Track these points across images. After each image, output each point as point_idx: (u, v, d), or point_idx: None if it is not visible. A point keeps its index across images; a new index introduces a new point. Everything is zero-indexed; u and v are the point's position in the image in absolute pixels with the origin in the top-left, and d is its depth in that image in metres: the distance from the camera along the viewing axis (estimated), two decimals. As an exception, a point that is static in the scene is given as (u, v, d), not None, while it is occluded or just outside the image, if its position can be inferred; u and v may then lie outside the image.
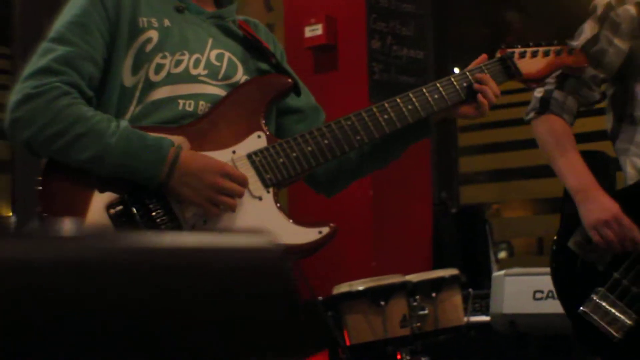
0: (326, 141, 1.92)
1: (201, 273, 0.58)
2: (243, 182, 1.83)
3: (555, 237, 2.39)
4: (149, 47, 1.90)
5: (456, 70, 6.11)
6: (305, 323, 0.64)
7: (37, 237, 0.53)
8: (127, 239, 0.57)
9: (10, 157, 4.38)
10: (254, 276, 0.61)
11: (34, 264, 0.49)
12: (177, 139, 1.81)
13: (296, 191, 1.90)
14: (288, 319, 0.61)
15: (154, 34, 1.91)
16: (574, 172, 2.35)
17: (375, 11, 4.68)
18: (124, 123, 1.80)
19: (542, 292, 3.58)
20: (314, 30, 4.58)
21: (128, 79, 1.89)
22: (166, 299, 0.56)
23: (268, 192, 1.87)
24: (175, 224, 1.81)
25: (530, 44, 2.13)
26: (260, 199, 1.86)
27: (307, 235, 1.87)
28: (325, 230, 1.88)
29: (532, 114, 2.44)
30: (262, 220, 1.84)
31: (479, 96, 2.00)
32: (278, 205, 1.88)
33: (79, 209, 1.80)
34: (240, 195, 1.82)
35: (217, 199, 1.79)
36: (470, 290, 4.03)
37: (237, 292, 0.60)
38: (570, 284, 2.35)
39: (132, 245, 0.56)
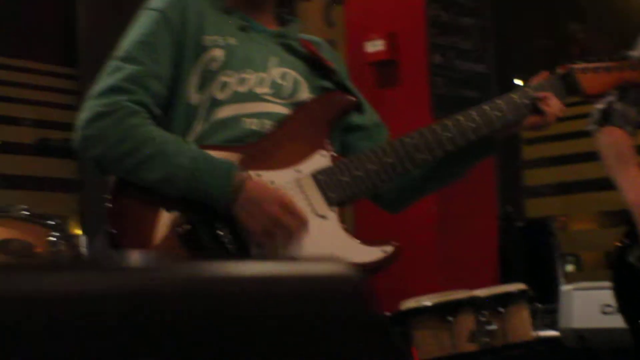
0: (389, 160, 1.91)
1: (287, 302, 0.58)
2: (300, 218, 1.82)
3: (616, 252, 2.36)
4: (215, 66, 1.92)
5: (518, 82, 6.07)
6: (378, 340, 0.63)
7: (107, 269, 0.53)
8: (202, 268, 0.57)
9: (79, 177, 4.44)
10: (341, 304, 0.60)
11: (107, 296, 0.50)
12: (240, 158, 1.82)
13: (361, 207, 1.89)
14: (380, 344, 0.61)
15: (219, 53, 1.93)
16: (633, 186, 2.32)
17: (436, 26, 4.66)
18: (193, 145, 1.81)
19: (610, 306, 3.53)
20: (375, 46, 4.58)
21: (194, 97, 1.90)
22: (251, 328, 0.55)
23: (332, 210, 1.87)
24: (241, 244, 1.81)
25: (592, 59, 2.10)
26: (324, 217, 1.86)
27: (371, 254, 1.86)
28: (389, 249, 1.87)
29: (593, 126, 2.42)
30: (326, 239, 1.84)
31: (542, 112, 1.99)
32: (342, 224, 1.87)
33: (147, 228, 1.81)
34: (294, 232, 1.81)
35: (272, 231, 1.79)
36: (537, 304, 3.98)
37: (324, 321, 0.59)
38: (632, 299, 2.32)
39: (207, 275, 0.56)
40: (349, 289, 0.61)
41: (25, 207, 2.08)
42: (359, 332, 0.59)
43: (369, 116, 2.10)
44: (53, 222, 2.08)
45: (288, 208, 1.80)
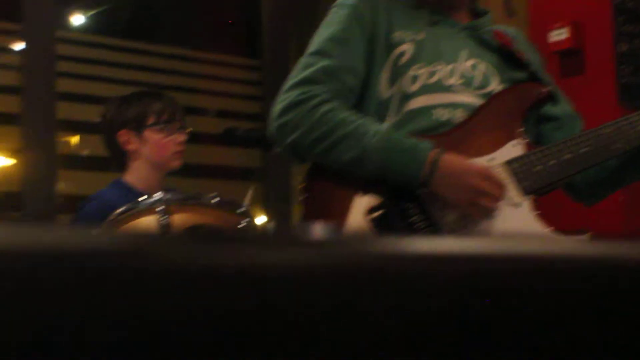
0: (584, 149, 1.88)
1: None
2: (502, 187, 1.82)
3: None
4: (404, 60, 1.94)
5: None
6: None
7: (294, 242, 0.53)
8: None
9: (261, 165, 4.55)
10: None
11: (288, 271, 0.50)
12: (436, 144, 1.83)
13: (543, 197, 1.88)
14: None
15: (408, 47, 1.95)
16: None
17: (623, 13, 4.52)
18: (384, 125, 1.84)
19: None
20: (559, 35, 4.49)
21: (385, 91, 1.93)
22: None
23: (525, 200, 1.86)
24: (435, 229, 1.83)
25: None
26: (518, 206, 1.85)
27: None
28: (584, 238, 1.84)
29: None
30: (520, 227, 1.83)
31: None
32: (535, 212, 1.86)
33: (340, 213, 1.85)
34: (500, 199, 1.81)
35: (477, 201, 1.80)
36: None
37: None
38: None
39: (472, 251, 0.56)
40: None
41: (216, 194, 2.15)
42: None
43: (563, 107, 2.07)
44: (243, 209, 2.15)
45: (490, 177, 1.80)
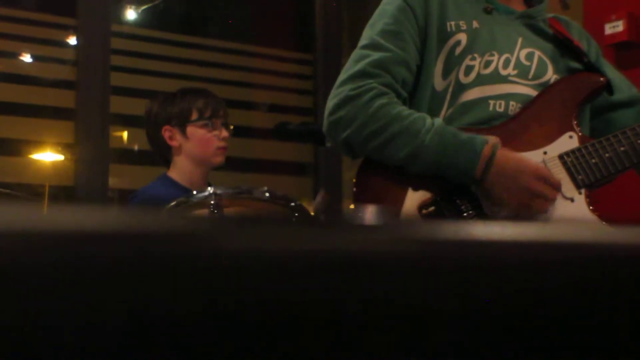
0: None
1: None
2: (557, 187, 1.79)
3: None
4: (458, 50, 1.91)
5: None
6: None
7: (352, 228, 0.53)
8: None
9: (313, 160, 4.55)
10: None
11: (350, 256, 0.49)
12: (490, 139, 1.81)
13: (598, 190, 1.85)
14: None
15: (462, 37, 1.92)
16: None
17: (681, 4, 4.44)
18: (438, 121, 1.82)
19: None
20: (614, 27, 4.43)
21: (439, 83, 1.91)
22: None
23: (580, 193, 1.83)
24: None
25: None
26: (572, 200, 1.82)
27: None
28: (640, 232, 1.81)
29: None
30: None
31: None
32: (591, 207, 1.83)
33: (393, 209, 1.84)
34: (554, 200, 1.79)
35: (530, 202, 1.77)
36: None
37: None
38: None
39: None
40: None
41: (267, 188, 2.15)
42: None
43: (628, 91, 2.04)
44: (294, 204, 2.14)
45: (544, 177, 1.78)
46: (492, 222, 0.57)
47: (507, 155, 1.79)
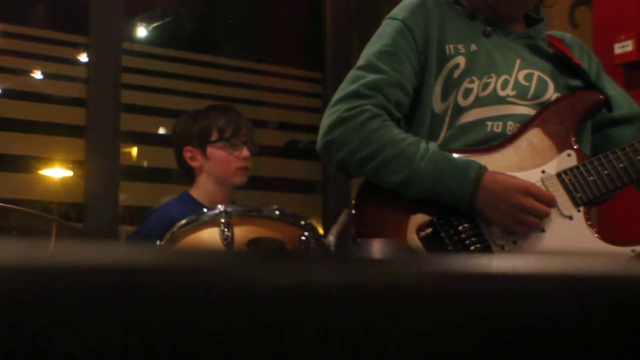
0: (639, 157, 1.85)
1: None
2: (549, 202, 1.79)
3: None
4: (457, 73, 1.92)
5: None
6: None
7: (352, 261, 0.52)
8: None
9: (322, 178, 4.55)
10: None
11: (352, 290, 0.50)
12: (484, 160, 1.81)
13: (605, 206, 1.84)
14: None
15: (461, 60, 1.93)
16: None
17: (691, 24, 4.42)
18: (432, 146, 1.82)
19: None
20: (623, 47, 4.42)
21: (438, 106, 1.91)
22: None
23: (579, 211, 1.83)
24: (485, 246, 1.80)
25: None
26: (570, 218, 1.82)
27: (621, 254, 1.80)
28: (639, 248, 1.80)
29: None
30: (573, 240, 1.80)
31: None
32: (589, 224, 1.83)
33: (391, 232, 1.84)
34: (546, 215, 1.79)
35: (522, 219, 1.77)
36: None
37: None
38: None
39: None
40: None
41: (277, 206, 2.16)
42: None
43: (628, 108, 2.04)
44: (304, 222, 2.14)
45: (533, 194, 1.78)
46: (500, 254, 0.56)
47: (494, 177, 1.79)
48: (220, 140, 2.85)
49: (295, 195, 4.66)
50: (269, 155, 4.49)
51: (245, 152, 2.87)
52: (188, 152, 2.87)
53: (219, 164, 2.85)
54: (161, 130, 4.33)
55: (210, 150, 2.85)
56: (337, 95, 1.90)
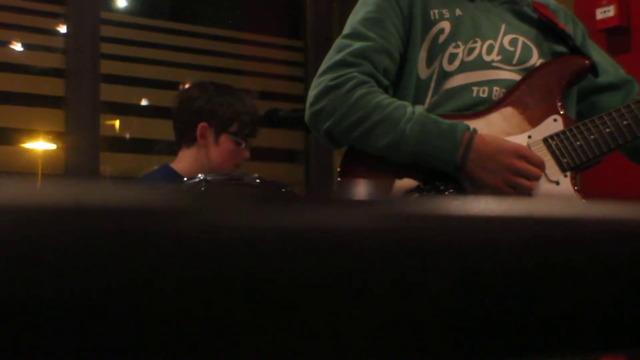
0: (625, 122, 1.85)
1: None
2: (540, 165, 1.79)
3: None
4: (442, 38, 1.91)
5: None
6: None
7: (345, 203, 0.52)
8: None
9: (304, 147, 4.54)
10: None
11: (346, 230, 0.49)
12: (471, 125, 1.80)
13: (590, 174, 1.84)
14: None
15: (446, 25, 1.92)
16: None
17: (672, -11, 4.43)
18: (419, 109, 1.81)
19: None
20: (605, 12, 4.42)
21: (423, 72, 1.90)
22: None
23: (565, 176, 1.83)
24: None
25: None
26: (557, 183, 1.82)
27: None
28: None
29: None
30: (559, 205, 1.80)
31: None
32: (576, 188, 1.83)
33: (380, 186, 1.84)
34: (537, 178, 1.79)
35: (513, 181, 1.77)
36: None
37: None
38: None
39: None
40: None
41: (258, 175, 2.14)
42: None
43: (614, 72, 2.04)
44: (285, 190, 2.13)
45: (525, 156, 1.78)
46: (480, 198, 0.56)
47: (485, 139, 1.79)
48: (238, 135, 2.82)
49: (278, 164, 4.65)
50: (250, 125, 4.47)
51: (247, 153, 2.86)
52: (202, 129, 2.82)
53: (223, 154, 2.82)
54: (142, 101, 4.31)
55: (224, 138, 2.82)
56: (323, 65, 1.89)
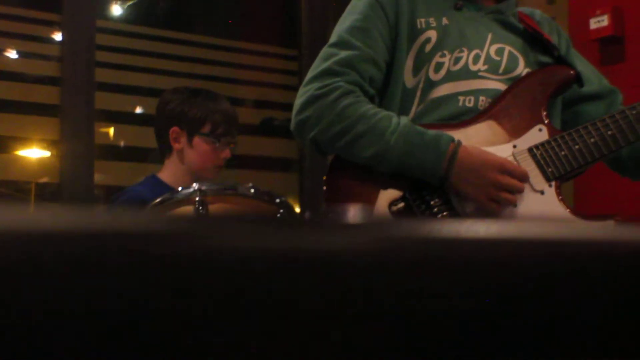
0: (610, 132, 1.85)
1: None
2: (523, 178, 1.79)
3: None
4: (428, 47, 1.91)
5: None
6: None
7: (330, 226, 0.52)
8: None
9: (298, 156, 4.54)
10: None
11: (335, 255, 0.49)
12: (456, 134, 1.81)
13: (580, 180, 1.84)
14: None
15: (432, 34, 1.92)
16: None
17: (666, -1, 4.44)
18: (404, 120, 1.82)
19: None
20: (599, 22, 4.42)
21: (409, 80, 1.91)
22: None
23: (550, 185, 1.83)
24: (456, 218, 1.80)
25: None
26: (542, 193, 1.82)
27: None
28: (611, 224, 1.81)
29: None
30: (544, 214, 1.80)
31: None
32: (560, 198, 1.83)
33: (366, 207, 1.84)
34: (521, 192, 1.79)
35: (497, 196, 1.77)
36: None
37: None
38: None
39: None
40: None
41: (252, 184, 2.15)
42: None
43: (598, 82, 2.04)
44: (279, 200, 2.14)
45: (508, 170, 1.78)
46: (474, 220, 0.56)
47: (470, 151, 1.79)
48: (210, 135, 2.81)
49: (272, 173, 4.65)
50: (244, 134, 4.47)
51: (227, 153, 2.84)
52: (174, 133, 2.82)
53: (200, 156, 2.81)
54: (137, 110, 4.31)
55: (197, 140, 2.81)
56: (309, 74, 1.90)
